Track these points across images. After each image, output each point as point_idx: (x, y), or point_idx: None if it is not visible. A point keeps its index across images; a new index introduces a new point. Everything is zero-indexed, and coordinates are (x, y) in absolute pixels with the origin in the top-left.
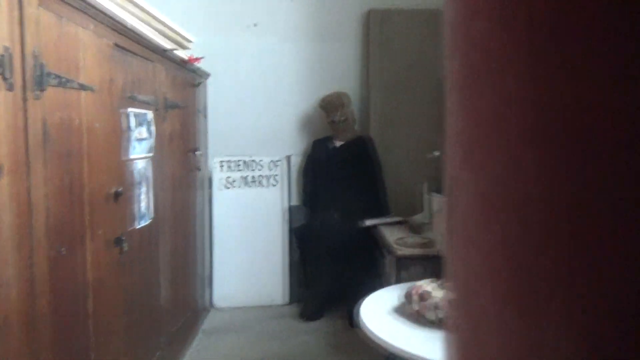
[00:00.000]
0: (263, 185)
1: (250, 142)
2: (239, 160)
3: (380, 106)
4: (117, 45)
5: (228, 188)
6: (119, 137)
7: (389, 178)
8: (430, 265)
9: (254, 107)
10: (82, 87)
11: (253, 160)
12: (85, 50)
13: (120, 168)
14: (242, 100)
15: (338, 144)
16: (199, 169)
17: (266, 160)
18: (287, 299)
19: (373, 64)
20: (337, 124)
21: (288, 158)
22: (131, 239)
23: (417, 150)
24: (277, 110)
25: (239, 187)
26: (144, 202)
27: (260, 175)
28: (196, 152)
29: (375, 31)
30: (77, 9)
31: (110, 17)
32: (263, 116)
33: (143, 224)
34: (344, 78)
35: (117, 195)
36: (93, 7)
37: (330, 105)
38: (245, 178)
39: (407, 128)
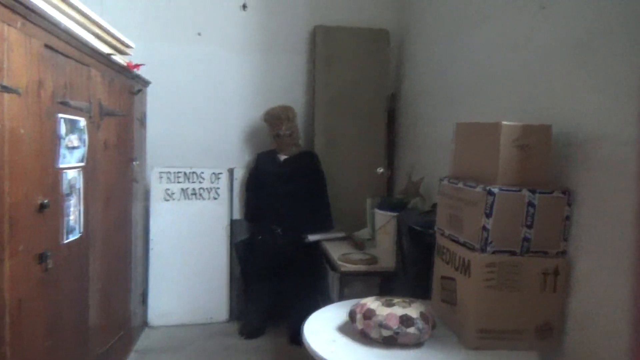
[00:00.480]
0: (204, 198)
1: (191, 153)
2: (179, 172)
3: (325, 121)
4: (47, 46)
5: (167, 200)
6: (47, 145)
7: (333, 194)
8: (373, 281)
9: (196, 117)
10: (6, 89)
11: (194, 172)
12: (10, 50)
13: (48, 178)
14: (183, 110)
15: (282, 158)
16: (136, 181)
17: (208, 172)
18: (227, 316)
19: (319, 79)
20: (282, 138)
21: (231, 171)
22: (57, 254)
23: (361, 167)
24: (220, 122)
25: (179, 199)
26: (73, 214)
27: (201, 188)
28: (133, 162)
29: (321, 47)
30: (3, 4)
31: (42, 16)
32: (206, 127)
33: (71, 238)
34: (290, 92)
35: (42, 207)
36: (22, 4)
37: (275, 119)
38: (185, 190)
39: (352, 144)
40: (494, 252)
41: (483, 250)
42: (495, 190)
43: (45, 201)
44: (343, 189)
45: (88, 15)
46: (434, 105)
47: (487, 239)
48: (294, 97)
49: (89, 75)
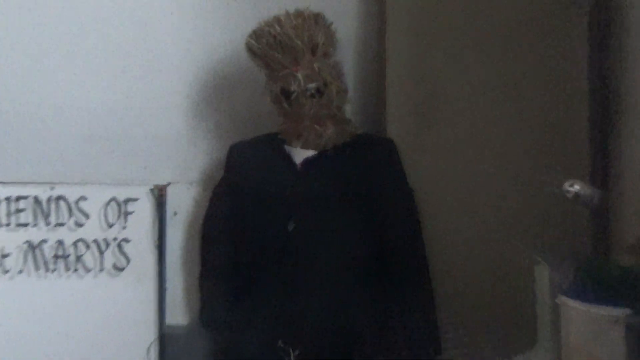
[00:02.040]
0: (88, 270)
1: (55, 146)
2: (21, 198)
3: (416, 54)
4: None
5: None
6: None
7: (440, 251)
8: None
9: (67, 61)
10: None
11: (61, 199)
12: None
13: None
14: (38, 31)
15: (301, 155)
16: None
17: (98, 197)
18: None
19: None
20: (299, 101)
21: (161, 193)
22: None
23: (517, 178)
24: (128, 67)
25: (21, 271)
26: None
27: (80, 241)
28: None
29: None
30: None
31: None
32: (91, 82)
33: None
34: None
35: None
36: None
37: (279, 49)
38: (37, 248)
39: (490, 117)
40: None
41: None
42: None
43: None
44: (467, 240)
45: None
46: None
47: None
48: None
49: None
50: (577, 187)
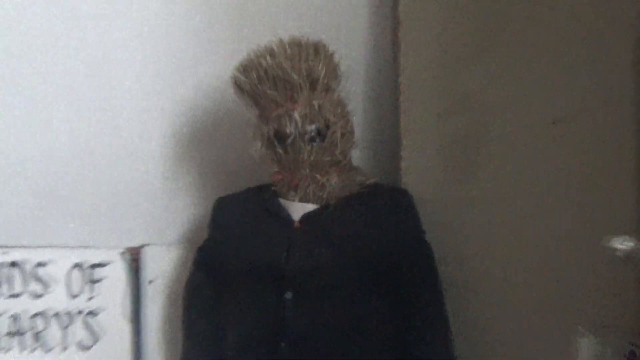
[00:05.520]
0: (50, 348)
1: (15, 203)
2: None
3: (437, 88)
4: None
5: None
6: None
7: (464, 324)
8: None
9: (29, 105)
10: None
11: (15, 264)
12: None
13: None
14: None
15: (299, 211)
16: None
17: (63, 261)
18: None
19: None
20: (295, 145)
21: (134, 256)
22: None
23: (560, 232)
24: (97, 112)
25: None
26: None
27: (40, 313)
28: None
29: None
30: None
31: None
32: (55, 129)
33: None
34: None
35: None
36: None
37: (273, 84)
38: None
39: (527, 160)
40: None
41: None
42: None
43: None
44: (496, 310)
45: None
46: None
47: None
48: (332, 20)
49: None
50: (630, 244)
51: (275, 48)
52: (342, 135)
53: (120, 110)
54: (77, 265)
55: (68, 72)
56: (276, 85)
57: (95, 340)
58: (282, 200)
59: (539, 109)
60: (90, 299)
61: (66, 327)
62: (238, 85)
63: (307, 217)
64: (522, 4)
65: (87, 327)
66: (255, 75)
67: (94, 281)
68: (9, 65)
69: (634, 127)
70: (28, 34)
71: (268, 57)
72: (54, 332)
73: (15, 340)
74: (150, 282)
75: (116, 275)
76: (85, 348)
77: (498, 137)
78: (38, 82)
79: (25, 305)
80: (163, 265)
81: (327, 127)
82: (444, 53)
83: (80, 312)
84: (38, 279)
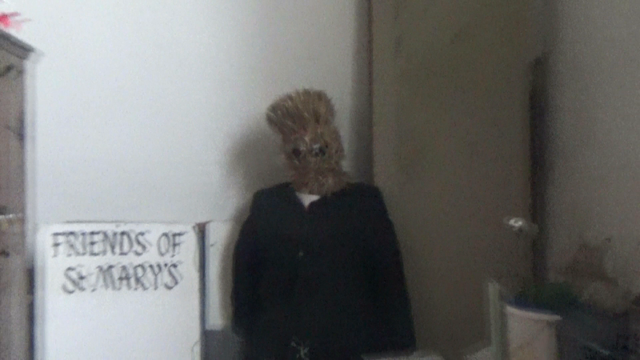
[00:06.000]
0: (146, 287)
1: (120, 193)
2: (94, 233)
3: (396, 122)
4: None
5: (71, 292)
6: None
7: (416, 273)
8: None
9: (129, 121)
10: None
11: (125, 234)
12: None
13: None
14: (105, 106)
15: (308, 200)
16: (6, 253)
17: (154, 232)
18: None
19: (381, 34)
20: (306, 159)
21: (201, 229)
22: None
23: (475, 216)
24: (178, 129)
25: (95, 290)
26: None
27: (140, 266)
28: (4, 217)
29: None
30: None
31: None
32: (149, 140)
33: None
34: (320, 63)
35: None
36: None
37: (292, 119)
38: (108, 271)
39: (453, 169)
40: None
41: None
42: None
43: None
44: (436, 265)
45: None
46: (630, 84)
47: None
48: (330, 75)
49: None
50: (520, 223)
51: (293, 95)
52: (336, 151)
53: (196, 129)
54: (164, 234)
55: (160, 100)
56: (294, 119)
57: (176, 283)
58: (297, 193)
59: (460, 136)
60: (172, 256)
61: (157, 274)
62: (269, 119)
63: (313, 204)
64: (448, 74)
65: (170, 274)
66: (280, 113)
67: (175, 244)
68: (122, 97)
69: (522, 151)
70: (131, 76)
71: (289, 101)
72: (149, 277)
73: (124, 282)
74: (212, 245)
75: (189, 240)
76: (169, 288)
77: (434, 156)
78: (139, 106)
79: (131, 260)
80: (220, 234)
81: (326, 146)
82: (401, 101)
83: (166, 265)
84: (139, 243)
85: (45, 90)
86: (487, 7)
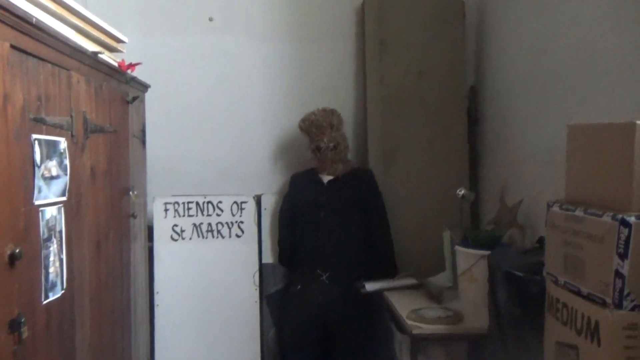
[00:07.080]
0: (224, 236)
1: (205, 177)
2: (190, 202)
3: (381, 128)
4: (15, 47)
5: (175, 240)
6: (17, 176)
7: (397, 226)
8: (458, 348)
9: (210, 130)
10: None
11: (209, 202)
12: None
13: (19, 219)
14: (194, 121)
15: (326, 179)
16: (134, 216)
17: (228, 201)
18: None
19: (371, 71)
20: (324, 153)
21: (258, 199)
22: (34, 319)
23: (434, 188)
24: (242, 134)
25: (191, 238)
26: (54, 266)
27: (219, 223)
28: (130, 193)
29: (372, 28)
30: None
31: (6, 9)
32: (224, 142)
33: (52, 297)
34: (333, 91)
35: (13, 258)
36: None
37: (315, 127)
38: (199, 226)
39: (419, 157)
40: (633, 309)
41: (618, 305)
42: (631, 219)
43: (17, 250)
44: (410, 220)
45: (67, 5)
46: (532, 101)
47: (622, 289)
48: (339, 98)
49: (70, 81)
50: (463, 192)
51: (316, 111)
52: (344, 148)
53: (253, 136)
54: (235, 202)
55: (230, 117)
56: (316, 127)
57: (242, 233)
58: (319, 175)
59: (423, 137)
60: (240, 216)
61: (230, 228)
62: (300, 127)
63: (330, 182)
64: (414, 98)
65: (239, 227)
66: (307, 123)
67: (242, 209)
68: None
69: (463, 147)
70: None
71: (313, 115)
72: (225, 230)
73: (209, 234)
74: (265, 209)
75: (250, 206)
76: (238, 237)
77: (406, 150)
78: (217, 122)
79: (213, 219)
80: (270, 202)
81: (338, 144)
82: (384, 116)
83: (235, 222)
84: (219, 208)
85: (154, 110)
86: (439, 53)
